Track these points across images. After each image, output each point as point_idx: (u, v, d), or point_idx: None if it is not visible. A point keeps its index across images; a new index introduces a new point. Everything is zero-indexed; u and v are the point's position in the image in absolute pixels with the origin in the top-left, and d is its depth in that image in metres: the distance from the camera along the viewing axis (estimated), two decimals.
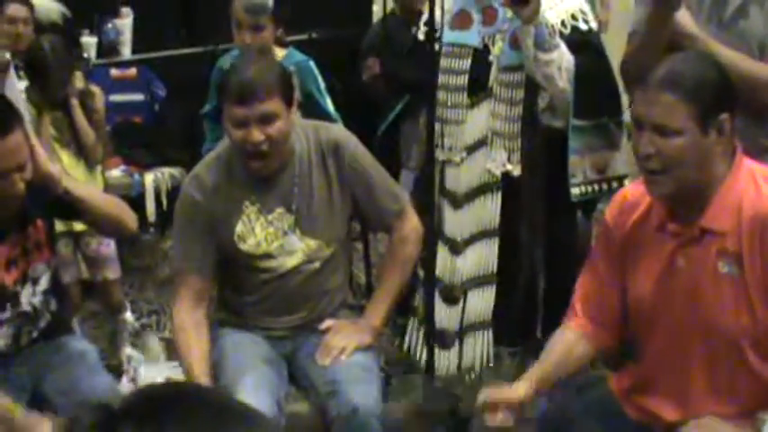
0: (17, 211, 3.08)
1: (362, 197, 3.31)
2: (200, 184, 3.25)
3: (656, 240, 2.64)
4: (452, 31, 3.76)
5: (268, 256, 3.25)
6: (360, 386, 3.10)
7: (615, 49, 7.55)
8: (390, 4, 5.73)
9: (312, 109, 3.95)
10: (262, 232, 3.24)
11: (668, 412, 2.70)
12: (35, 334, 3.24)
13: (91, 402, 1.22)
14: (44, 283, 3.22)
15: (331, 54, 5.09)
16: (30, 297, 3.18)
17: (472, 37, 3.68)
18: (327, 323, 3.31)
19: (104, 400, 1.21)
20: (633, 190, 2.77)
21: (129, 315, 4.73)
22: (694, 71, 2.55)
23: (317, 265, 3.28)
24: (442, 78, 3.76)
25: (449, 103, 3.75)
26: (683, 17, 3.20)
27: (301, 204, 3.24)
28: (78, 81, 4.41)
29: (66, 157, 4.37)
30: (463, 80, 3.70)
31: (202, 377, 3.13)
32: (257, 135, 3.07)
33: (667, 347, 2.68)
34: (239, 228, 3.24)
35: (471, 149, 3.72)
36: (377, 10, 7.00)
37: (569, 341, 2.83)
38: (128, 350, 4.66)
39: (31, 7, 5.09)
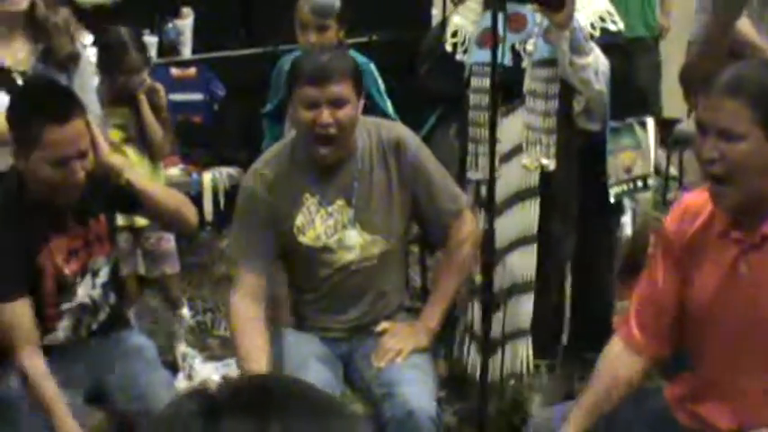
0: (78, 202, 3.12)
1: (422, 196, 3.32)
2: (260, 178, 3.28)
3: (718, 247, 2.63)
4: (480, 50, 3.72)
5: (327, 249, 3.27)
6: (415, 388, 3.10)
7: (674, 56, 7.55)
8: (450, 8, 5.74)
9: (372, 111, 3.95)
10: (321, 225, 3.26)
11: (723, 420, 2.68)
12: (94, 326, 3.28)
13: (190, 390, 1.20)
14: (104, 276, 3.26)
15: (390, 57, 5.10)
16: (89, 289, 3.22)
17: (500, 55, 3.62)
18: (384, 325, 3.32)
19: (205, 388, 1.19)
20: (694, 198, 2.75)
21: (186, 311, 4.75)
22: (759, 77, 2.53)
23: (373, 261, 3.30)
24: (473, 98, 3.74)
25: (481, 123, 3.72)
26: (744, 25, 3.19)
27: (361, 199, 3.27)
28: (145, 78, 4.44)
29: (131, 153, 4.40)
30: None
31: (261, 366, 3.11)
32: (327, 116, 3.10)
33: (725, 355, 2.66)
34: (299, 219, 3.26)
35: (506, 158, 3.68)
36: (436, 13, 7.02)
37: (620, 365, 2.79)
38: (183, 347, 4.69)
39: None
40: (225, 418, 1.14)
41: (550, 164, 3.65)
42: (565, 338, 3.80)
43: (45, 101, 3.05)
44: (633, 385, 2.79)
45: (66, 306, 3.19)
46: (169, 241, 4.55)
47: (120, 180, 3.17)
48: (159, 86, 4.54)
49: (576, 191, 3.72)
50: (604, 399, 2.77)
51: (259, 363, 3.12)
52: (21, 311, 3.05)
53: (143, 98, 4.37)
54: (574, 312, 3.85)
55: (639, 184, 3.77)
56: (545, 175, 3.67)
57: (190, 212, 3.37)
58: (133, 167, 3.39)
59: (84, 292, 3.21)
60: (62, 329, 3.20)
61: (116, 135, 4.36)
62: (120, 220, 3.98)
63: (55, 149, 2.93)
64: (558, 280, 3.77)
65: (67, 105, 3.00)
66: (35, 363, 3.05)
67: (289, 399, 1.17)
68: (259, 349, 3.17)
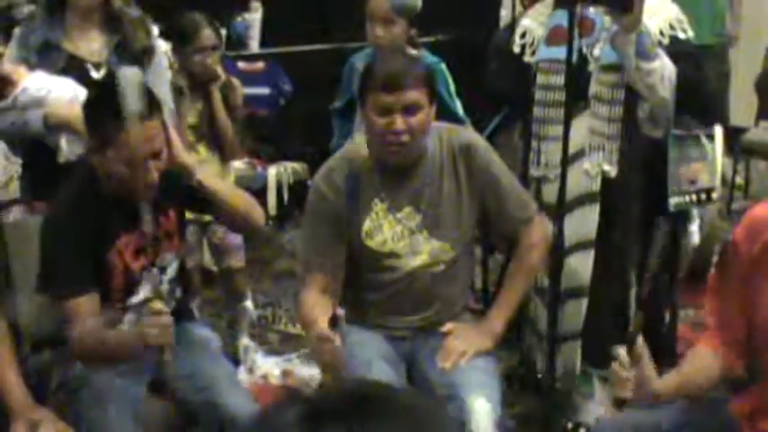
0: (150, 200, 3.13)
1: (491, 202, 3.31)
2: (331, 180, 3.28)
3: None
4: (548, 47, 3.74)
5: (394, 254, 3.27)
6: (479, 390, 3.09)
7: (743, 64, 7.49)
8: (519, 9, 5.72)
9: (441, 112, 3.95)
10: (389, 230, 3.26)
11: None
12: None
13: (293, 394, 1.20)
14: (171, 272, 3.28)
15: (456, 57, 5.10)
16: (156, 285, 3.25)
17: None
18: (449, 326, 3.31)
19: (302, 393, 1.19)
20: (764, 209, 2.73)
21: (249, 304, 4.77)
22: None
23: (441, 267, 3.29)
24: (539, 95, 3.75)
25: (546, 119, 3.74)
26: None
27: (430, 205, 3.26)
28: (221, 72, 4.45)
29: (202, 149, 4.42)
30: (560, 96, 3.64)
31: (322, 317, 3.00)
32: (400, 123, 3.10)
33: None
34: (367, 224, 3.26)
35: (569, 161, 3.66)
36: (505, 14, 7.00)
37: (707, 360, 2.79)
38: (246, 340, 4.71)
39: None
40: (325, 426, 1.14)
41: (612, 170, 3.63)
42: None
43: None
44: (711, 384, 2.78)
45: (132, 301, 3.21)
46: (236, 235, 4.57)
47: (192, 180, 3.19)
48: (237, 83, 4.55)
49: (638, 199, 3.69)
50: (691, 381, 2.77)
51: (320, 316, 3.00)
52: (88, 308, 3.06)
53: (217, 95, 4.39)
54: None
55: (704, 197, 3.72)
56: (606, 182, 3.65)
57: (257, 214, 3.39)
58: (204, 166, 3.40)
59: (152, 287, 3.23)
60: (127, 323, 3.22)
61: (188, 135, 4.37)
62: (187, 213, 4.02)
63: (129, 149, 2.93)
64: (618, 289, 3.74)
65: (145, 104, 2.99)
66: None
67: (386, 406, 1.17)
68: (323, 311, 3.06)
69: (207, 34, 4.34)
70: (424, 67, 3.27)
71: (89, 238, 3.07)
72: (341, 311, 2.94)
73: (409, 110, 3.11)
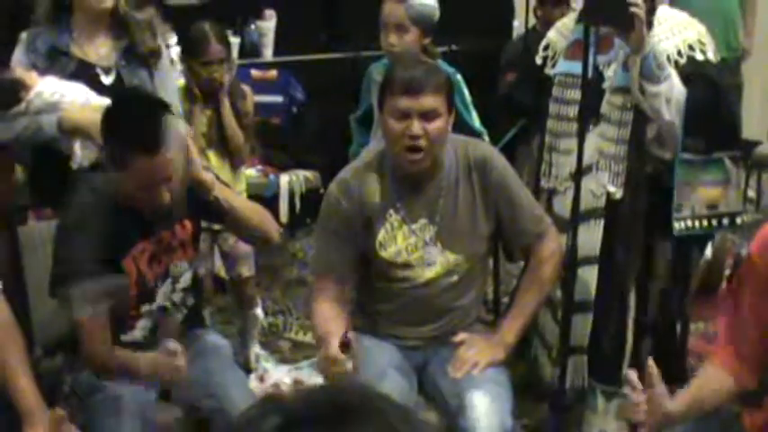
0: (165, 212, 3.17)
1: (506, 216, 3.30)
2: (346, 189, 3.27)
3: None
4: (566, 61, 3.73)
5: (407, 265, 3.27)
6: (490, 402, 3.09)
7: (755, 78, 7.49)
8: (532, 20, 5.74)
9: (457, 123, 3.95)
10: (403, 241, 3.26)
11: None
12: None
13: (266, 401, 1.20)
14: (184, 281, 3.29)
15: (469, 67, 5.10)
16: (169, 294, 3.26)
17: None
18: (461, 336, 3.31)
19: (281, 398, 1.19)
20: None
21: (259, 311, 4.77)
22: None
23: (454, 278, 3.29)
24: (552, 108, 3.75)
25: (559, 133, 3.74)
26: None
27: (445, 217, 3.26)
28: (231, 79, 4.46)
29: (212, 156, 4.43)
30: (573, 111, 3.64)
31: (335, 335, 3.01)
32: (418, 128, 3.09)
33: None
34: (381, 235, 3.26)
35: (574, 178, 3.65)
36: (517, 25, 7.01)
37: (718, 378, 2.78)
38: (257, 348, 4.71)
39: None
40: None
41: (617, 192, 3.61)
42: (625, 368, 3.75)
43: (138, 130, 3.05)
44: (723, 402, 2.78)
45: (145, 308, 3.22)
46: (247, 244, 4.58)
47: (210, 196, 3.22)
48: (246, 90, 4.55)
49: (643, 219, 3.68)
50: (703, 401, 2.76)
51: (333, 333, 3.01)
52: (101, 319, 3.08)
53: (226, 102, 4.39)
54: (636, 342, 3.80)
55: (726, 221, 3.70)
56: (612, 200, 3.64)
57: (271, 227, 3.42)
58: (220, 181, 3.42)
59: (165, 296, 3.25)
60: (140, 329, 3.24)
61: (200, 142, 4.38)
62: None
63: (143, 176, 3.00)
64: (618, 307, 3.73)
65: (159, 135, 3.01)
66: (108, 355, 3.12)
67: (364, 411, 1.16)
68: (336, 325, 3.10)
69: (214, 49, 4.34)
70: (444, 76, 3.27)
71: (104, 244, 3.08)
72: (352, 335, 2.96)
73: (427, 116, 3.11)
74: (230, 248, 4.56)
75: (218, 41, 4.36)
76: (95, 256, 3.05)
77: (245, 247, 4.55)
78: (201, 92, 4.40)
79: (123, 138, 3.03)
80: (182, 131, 3.13)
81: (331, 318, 3.19)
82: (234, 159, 4.49)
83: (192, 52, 4.36)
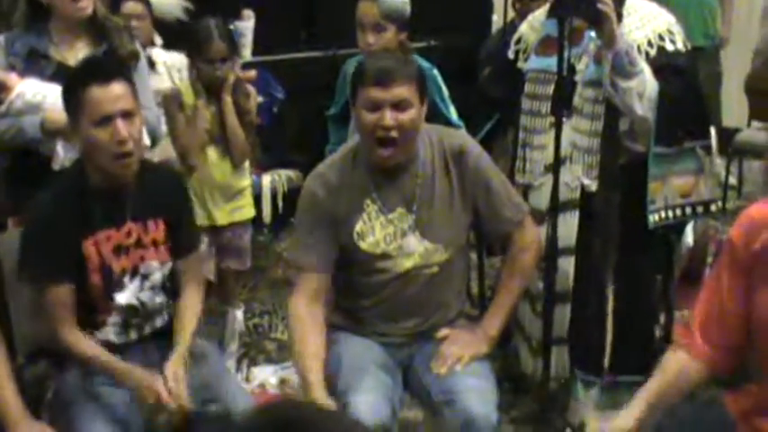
0: (139, 200, 3.20)
1: (483, 205, 3.31)
2: (323, 182, 3.28)
3: None
4: (538, 57, 3.74)
5: (386, 256, 3.26)
6: (475, 396, 3.09)
7: (735, 65, 7.52)
8: (511, 14, 5.74)
9: (435, 118, 3.96)
10: (381, 231, 3.26)
11: None
12: (147, 330, 3.30)
13: (212, 413, 1.20)
14: (154, 281, 3.27)
15: (449, 62, 5.10)
16: (137, 291, 3.24)
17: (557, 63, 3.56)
18: (444, 332, 3.32)
19: (228, 412, 1.18)
20: (760, 210, 2.72)
21: (240, 314, 4.75)
22: None
23: (434, 269, 3.29)
24: (525, 104, 3.75)
25: (532, 129, 3.74)
26: None
27: (422, 206, 3.26)
28: (232, 79, 4.45)
29: (213, 153, 4.43)
30: (546, 107, 3.66)
31: (315, 373, 3.13)
32: (389, 119, 3.10)
33: None
34: (359, 226, 3.26)
35: (551, 169, 3.64)
36: (496, 19, 7.02)
37: (683, 365, 2.79)
38: (233, 347, 4.68)
39: (147, 3, 5.26)
40: None
41: (592, 185, 3.62)
42: (606, 359, 3.76)
43: (88, 67, 3.25)
44: (692, 389, 2.79)
45: (114, 303, 3.21)
46: (241, 239, 4.58)
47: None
48: (250, 89, 4.56)
49: (617, 211, 3.68)
50: (666, 394, 2.77)
51: (314, 368, 3.14)
52: (63, 295, 3.12)
53: (228, 100, 4.39)
54: (615, 332, 3.80)
55: (701, 209, 3.70)
56: (586, 192, 3.65)
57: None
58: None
59: (132, 293, 3.23)
60: (111, 325, 3.22)
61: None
62: (201, 219, 4.19)
63: (97, 108, 3.04)
64: (596, 297, 3.74)
65: (108, 69, 3.16)
66: (76, 336, 3.14)
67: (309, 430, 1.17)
68: (314, 355, 3.17)
69: (217, 47, 4.33)
70: (415, 66, 3.27)
71: (69, 228, 3.12)
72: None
73: (399, 105, 3.11)
74: (228, 242, 4.56)
75: (222, 40, 4.36)
76: (59, 239, 3.09)
77: (240, 242, 4.57)
78: (205, 88, 4.41)
79: (76, 77, 3.14)
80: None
81: (310, 333, 3.22)
82: (234, 157, 4.49)
83: (195, 49, 4.37)
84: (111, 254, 3.17)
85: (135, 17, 5.11)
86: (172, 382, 3.06)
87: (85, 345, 3.14)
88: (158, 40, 5.49)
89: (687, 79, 3.63)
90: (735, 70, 7.37)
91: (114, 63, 3.34)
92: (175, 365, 3.12)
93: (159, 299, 3.30)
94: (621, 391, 3.65)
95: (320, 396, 3.05)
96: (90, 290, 3.17)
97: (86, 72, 3.16)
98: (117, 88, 3.07)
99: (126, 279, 3.21)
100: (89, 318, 3.19)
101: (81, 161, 3.19)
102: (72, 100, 3.10)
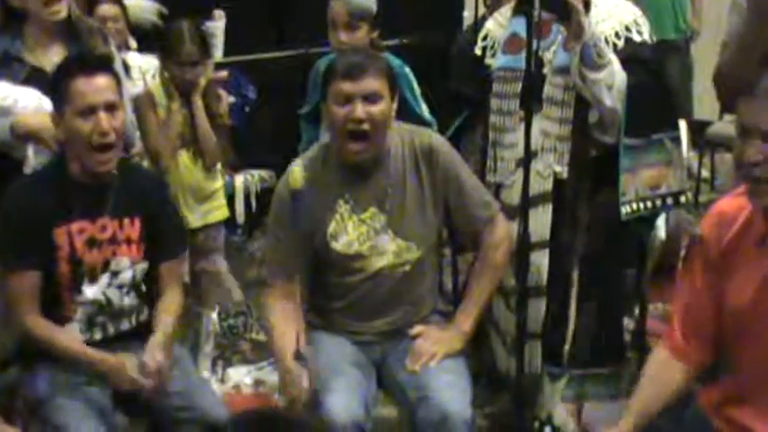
0: (117, 198, 3.22)
1: (454, 202, 3.32)
2: (294, 182, 3.26)
3: (754, 254, 2.61)
4: (504, 56, 3.71)
5: (359, 256, 3.27)
6: (450, 392, 3.10)
7: (706, 58, 7.54)
8: (482, 10, 5.74)
9: (407, 115, 3.96)
10: (354, 231, 3.27)
11: (762, 425, 2.65)
12: (111, 331, 3.29)
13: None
14: (124, 279, 3.26)
15: (420, 60, 5.10)
16: (104, 287, 3.23)
17: (523, 61, 3.46)
18: (418, 329, 3.32)
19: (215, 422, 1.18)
20: (730, 203, 2.74)
21: (214, 315, 4.75)
22: None
23: (406, 267, 3.30)
24: (494, 103, 3.72)
25: (501, 128, 3.71)
26: None
27: (394, 205, 3.27)
28: (203, 83, 4.44)
29: (185, 156, 4.42)
30: (515, 105, 3.64)
31: (290, 342, 3.13)
32: (360, 111, 3.13)
33: (763, 359, 2.64)
34: (332, 227, 3.27)
35: (522, 163, 3.63)
36: (468, 16, 7.01)
37: (667, 368, 2.81)
38: (208, 348, 4.67)
39: (122, 6, 5.24)
40: None
41: (563, 171, 3.61)
42: (567, 348, 3.76)
43: (75, 59, 3.30)
44: (681, 391, 2.81)
45: (81, 297, 3.21)
46: (214, 240, 4.56)
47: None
48: (222, 93, 4.55)
49: (587, 201, 3.68)
50: (653, 403, 2.79)
51: (286, 338, 3.16)
52: (29, 282, 3.15)
53: (199, 103, 4.38)
54: (584, 324, 3.80)
55: (670, 200, 3.71)
56: (557, 182, 3.64)
57: None
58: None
59: (100, 288, 3.22)
60: (77, 321, 3.22)
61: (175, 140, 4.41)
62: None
63: (81, 98, 3.09)
64: (562, 289, 3.74)
65: (95, 62, 3.25)
66: (39, 322, 3.16)
67: None
68: (291, 325, 3.19)
69: (188, 50, 4.32)
70: (385, 61, 3.30)
71: (42, 215, 3.14)
72: (305, 349, 3.06)
73: (370, 98, 3.14)
74: (201, 243, 4.54)
75: (193, 43, 4.34)
76: (29, 226, 3.12)
77: (213, 244, 4.58)
78: (177, 90, 4.40)
79: (62, 70, 3.20)
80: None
81: (285, 321, 3.22)
82: (206, 160, 4.48)
83: (167, 52, 4.36)
84: (84, 246, 3.18)
85: (110, 19, 5.09)
86: (150, 362, 3.09)
87: (51, 331, 3.17)
88: (133, 43, 5.47)
89: (653, 70, 3.63)
90: (706, 63, 7.35)
91: (101, 57, 3.40)
92: (152, 349, 3.14)
93: (128, 300, 3.28)
94: (589, 384, 3.66)
95: (293, 367, 3.06)
96: (58, 279, 3.18)
97: (73, 64, 3.21)
98: (102, 80, 3.13)
99: (95, 273, 3.21)
100: (54, 312, 3.19)
101: (61, 153, 3.22)
102: (58, 91, 3.15)
